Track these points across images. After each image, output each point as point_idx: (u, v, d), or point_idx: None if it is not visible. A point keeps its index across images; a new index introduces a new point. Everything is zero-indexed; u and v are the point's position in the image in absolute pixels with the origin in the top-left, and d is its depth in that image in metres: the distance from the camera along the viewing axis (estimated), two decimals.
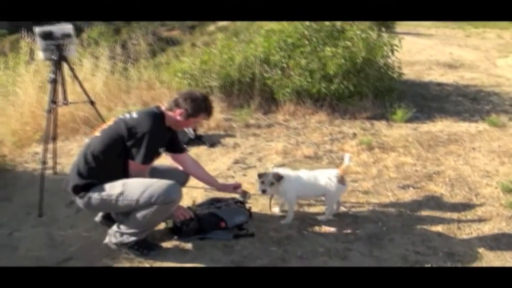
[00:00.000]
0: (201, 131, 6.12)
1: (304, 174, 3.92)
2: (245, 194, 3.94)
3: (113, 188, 3.26)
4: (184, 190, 3.70)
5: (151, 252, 3.47)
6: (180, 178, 3.75)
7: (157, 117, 3.34)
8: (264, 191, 3.77)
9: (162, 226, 3.71)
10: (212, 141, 5.87)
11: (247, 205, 4.01)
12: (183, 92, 3.51)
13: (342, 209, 4.14)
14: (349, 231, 3.82)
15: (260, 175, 3.82)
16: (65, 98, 4.56)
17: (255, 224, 3.88)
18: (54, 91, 4.37)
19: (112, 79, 7.32)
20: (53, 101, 4.38)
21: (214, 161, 5.30)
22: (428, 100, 8.08)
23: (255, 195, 4.25)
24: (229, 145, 5.82)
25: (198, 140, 5.82)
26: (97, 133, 3.39)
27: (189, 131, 5.74)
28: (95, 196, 3.27)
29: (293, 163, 5.15)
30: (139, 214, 3.26)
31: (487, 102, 8.04)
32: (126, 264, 3.35)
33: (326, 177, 3.86)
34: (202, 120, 3.58)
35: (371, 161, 5.29)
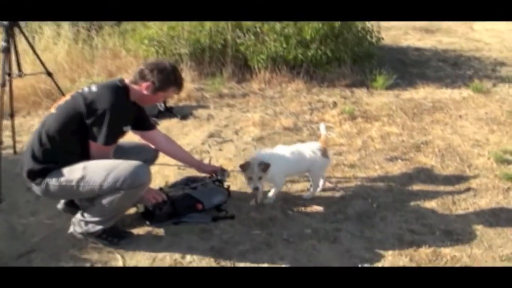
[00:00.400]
0: (171, 103, 5.70)
1: (287, 151, 3.55)
2: (223, 172, 3.61)
3: (72, 173, 2.87)
4: (155, 168, 3.37)
5: (121, 241, 3.13)
6: (148, 155, 3.43)
7: (120, 91, 2.95)
8: (256, 189, 3.36)
9: (132, 211, 3.36)
10: (183, 113, 5.45)
11: (226, 184, 3.68)
12: (149, 62, 3.09)
13: (328, 185, 3.83)
14: (337, 209, 3.53)
15: (243, 167, 3.37)
16: (19, 69, 4.11)
17: (234, 204, 3.57)
18: (8, 62, 3.91)
19: (75, 48, 6.79)
20: (7, 73, 3.92)
21: (187, 135, 4.92)
22: (408, 66, 7.77)
23: (233, 171, 3.91)
24: (202, 117, 5.43)
25: (169, 112, 5.40)
26: (53, 110, 2.98)
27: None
28: (53, 182, 2.88)
29: (272, 136, 4.81)
30: (105, 201, 2.90)
31: (468, 67, 7.77)
32: (95, 255, 3.01)
33: (310, 150, 3.54)
34: (172, 94, 3.20)
35: (354, 132, 4.98)
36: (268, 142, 4.65)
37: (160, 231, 3.25)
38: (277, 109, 5.69)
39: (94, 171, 2.85)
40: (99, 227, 3.04)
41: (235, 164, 4.12)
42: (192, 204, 3.40)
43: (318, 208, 3.52)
